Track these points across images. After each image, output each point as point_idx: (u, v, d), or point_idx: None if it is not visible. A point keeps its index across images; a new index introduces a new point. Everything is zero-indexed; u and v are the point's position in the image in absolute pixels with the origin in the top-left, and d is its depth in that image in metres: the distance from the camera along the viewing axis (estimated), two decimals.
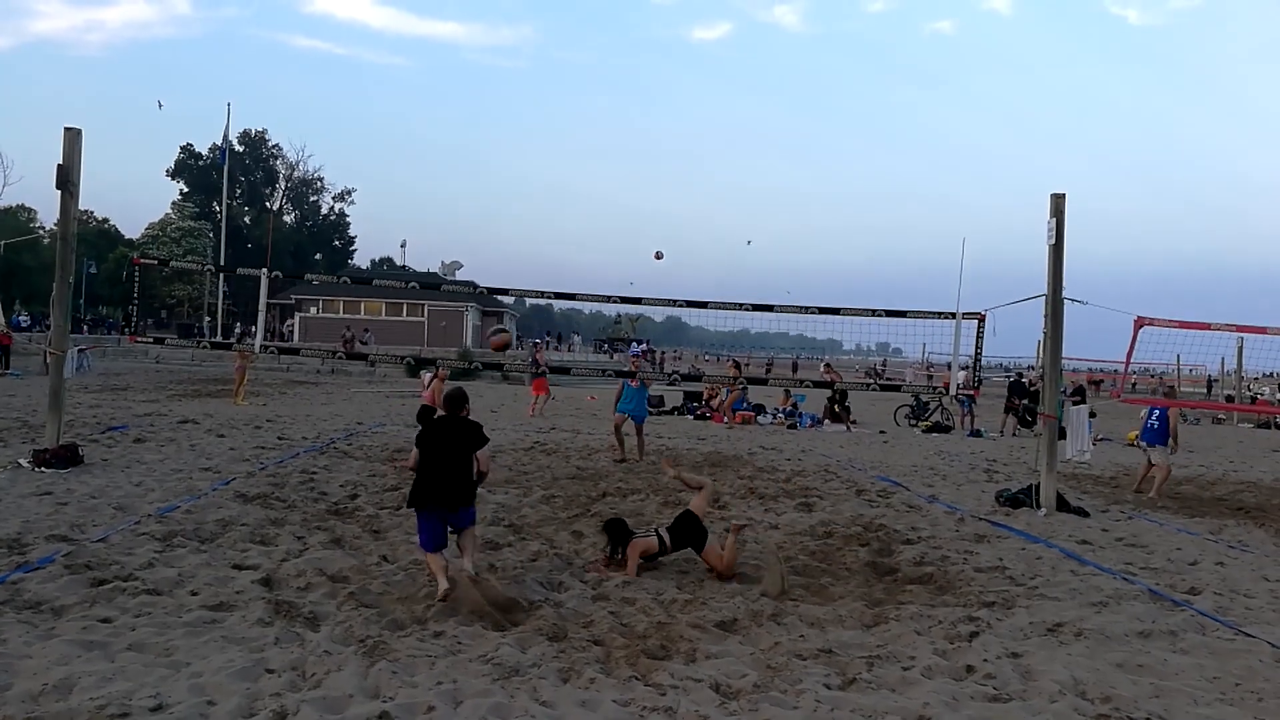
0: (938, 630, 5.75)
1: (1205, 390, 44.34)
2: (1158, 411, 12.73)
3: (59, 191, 10.65)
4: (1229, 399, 34.96)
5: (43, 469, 10.12)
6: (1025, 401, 23.73)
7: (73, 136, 10.67)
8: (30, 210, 66.27)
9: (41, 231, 52.66)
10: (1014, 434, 22.61)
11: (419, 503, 6.27)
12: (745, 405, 23.31)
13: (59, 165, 10.57)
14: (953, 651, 5.34)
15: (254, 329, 13.76)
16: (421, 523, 6.34)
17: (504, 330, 12.47)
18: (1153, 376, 25.65)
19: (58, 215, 11.26)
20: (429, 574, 6.29)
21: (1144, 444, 12.72)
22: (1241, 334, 19.26)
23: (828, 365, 32.30)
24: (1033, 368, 32.34)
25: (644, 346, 72.34)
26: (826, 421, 23.04)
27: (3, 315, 12.86)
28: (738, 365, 26.07)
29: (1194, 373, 45.31)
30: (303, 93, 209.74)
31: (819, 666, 5.03)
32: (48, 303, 25.91)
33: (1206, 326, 11.96)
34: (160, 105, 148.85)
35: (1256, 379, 47.46)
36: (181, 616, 5.38)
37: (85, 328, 49.08)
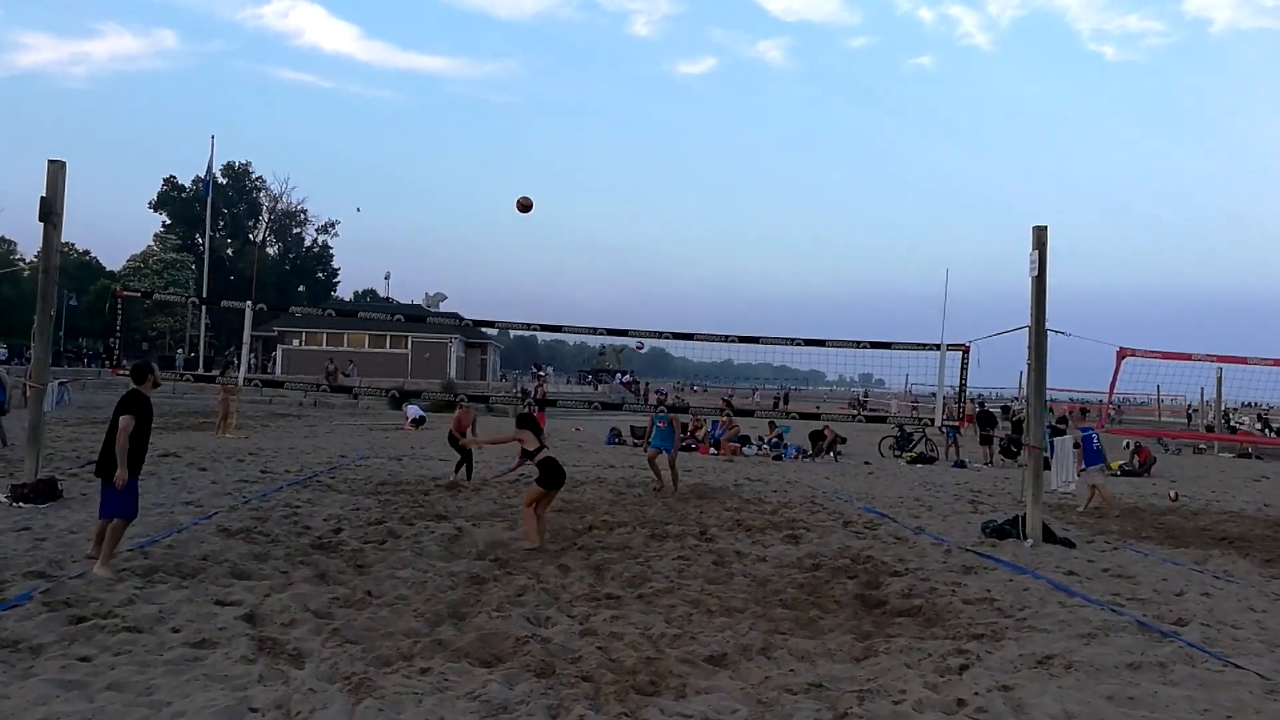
0: (928, 663, 5.72)
1: (1185, 420, 44.67)
2: (1093, 433, 13.46)
3: (41, 223, 10.58)
4: (1209, 428, 35.22)
5: (20, 504, 9.98)
6: (1008, 431, 23.81)
7: (57, 169, 10.64)
8: (10, 242, 65.89)
9: (21, 263, 52.31)
10: (994, 463, 22.74)
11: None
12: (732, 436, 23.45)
13: (42, 197, 10.51)
14: (943, 685, 5.31)
15: (236, 360, 13.69)
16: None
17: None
18: (1074, 404, 25.86)
19: (39, 247, 11.19)
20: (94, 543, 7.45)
21: (1090, 468, 13.27)
22: (1221, 364, 19.55)
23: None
24: (1017, 399, 32.50)
25: (628, 377, 72.46)
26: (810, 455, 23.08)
27: None
28: (728, 402, 26.64)
29: (1175, 402, 45.80)
30: (288, 125, 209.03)
31: (810, 701, 4.99)
32: (27, 335, 25.65)
33: (1187, 357, 12.11)
34: None
35: (1236, 409, 47.77)
36: (163, 654, 5.28)
37: (65, 361, 48.54)
